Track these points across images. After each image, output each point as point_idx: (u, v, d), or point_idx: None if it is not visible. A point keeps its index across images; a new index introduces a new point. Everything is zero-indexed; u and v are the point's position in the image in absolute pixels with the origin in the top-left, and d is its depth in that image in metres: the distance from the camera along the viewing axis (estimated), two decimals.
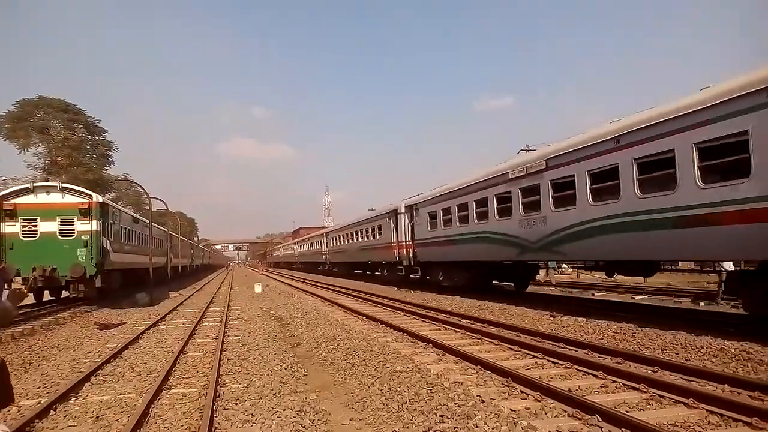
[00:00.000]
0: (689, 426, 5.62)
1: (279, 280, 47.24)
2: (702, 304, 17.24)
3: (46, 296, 24.73)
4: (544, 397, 6.46)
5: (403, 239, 28.60)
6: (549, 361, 8.86)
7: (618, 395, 6.77)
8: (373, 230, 34.70)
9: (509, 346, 10.28)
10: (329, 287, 32.02)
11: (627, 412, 5.88)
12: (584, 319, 13.44)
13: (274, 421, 6.42)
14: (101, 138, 53.89)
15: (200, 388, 8.30)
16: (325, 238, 55.08)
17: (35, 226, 21.67)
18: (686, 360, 8.74)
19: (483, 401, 6.49)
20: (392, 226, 30.26)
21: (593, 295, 22.17)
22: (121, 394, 8.09)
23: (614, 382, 7.24)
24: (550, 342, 10.37)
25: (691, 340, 10.06)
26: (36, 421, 6.64)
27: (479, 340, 11.26)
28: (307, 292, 29.23)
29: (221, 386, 8.28)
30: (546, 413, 6.00)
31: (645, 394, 6.57)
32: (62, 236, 21.87)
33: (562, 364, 8.47)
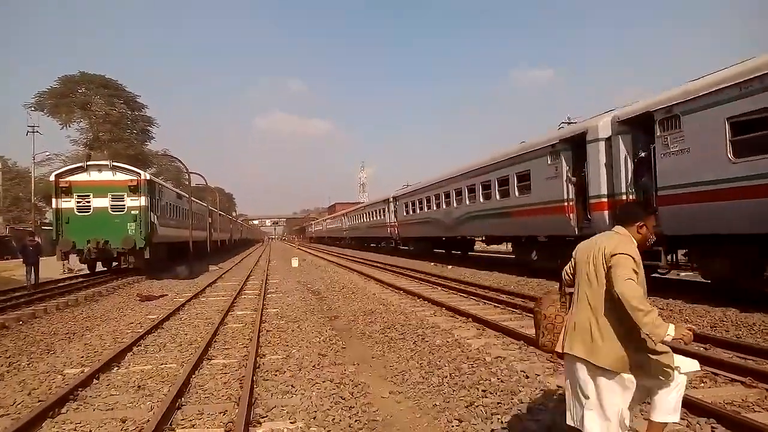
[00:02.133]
0: (748, 405, 5.34)
1: (315, 255, 47.65)
2: None
3: (99, 267, 26.28)
4: None
5: (392, 221, 39.68)
6: None
7: None
8: (375, 213, 45.83)
9: None
10: (363, 261, 32.14)
11: None
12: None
13: (313, 393, 6.37)
14: (141, 113, 54.77)
15: (240, 359, 8.32)
16: (345, 217, 66.28)
17: (89, 202, 23.23)
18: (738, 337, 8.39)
19: (527, 377, 6.30)
20: (386, 210, 40.97)
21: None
22: (162, 364, 8.17)
23: None
24: None
25: (743, 317, 9.66)
26: (79, 389, 6.73)
27: (520, 315, 11.04)
28: (342, 266, 29.38)
29: (260, 357, 8.29)
30: None
31: (698, 373, 6.28)
32: (113, 211, 23.45)
33: None
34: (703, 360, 6.54)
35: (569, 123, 22.44)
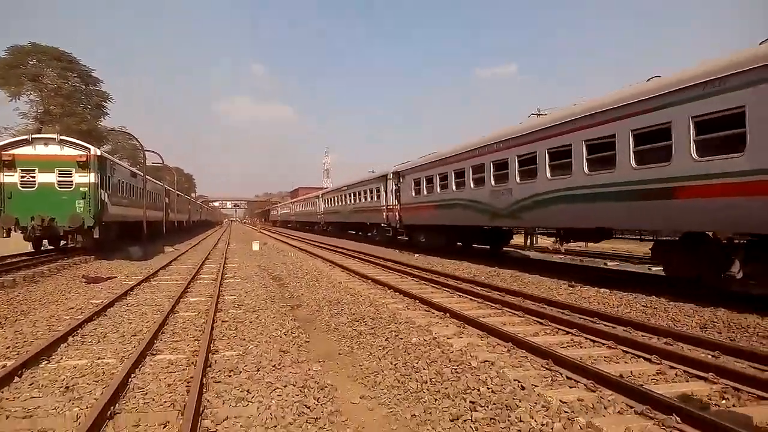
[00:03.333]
0: None
1: (276, 239, 46.27)
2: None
3: (45, 246, 24.74)
4: (598, 386, 5.43)
5: (391, 203, 31.00)
6: (587, 338, 7.82)
7: (683, 385, 5.74)
8: (365, 194, 37.00)
9: (536, 319, 9.26)
10: (328, 247, 31.01)
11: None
12: (607, 290, 12.47)
13: (273, 400, 5.45)
14: (96, 88, 52.18)
15: (189, 354, 7.34)
16: (320, 199, 56.91)
17: (33, 177, 21.81)
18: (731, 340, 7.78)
19: (523, 387, 5.47)
20: (382, 190, 32.49)
21: (606, 264, 21.21)
22: (99, 359, 7.14)
23: (673, 368, 6.20)
24: (581, 316, 9.34)
25: (735, 317, 9.08)
26: None
27: (500, 311, 10.24)
28: (305, 251, 28.28)
29: (213, 353, 7.32)
30: (606, 407, 4.98)
31: (715, 385, 5.57)
32: (60, 188, 22.01)
33: (603, 344, 7.43)
34: (719, 371, 5.86)
35: (538, 114, 23.28)
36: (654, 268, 18.97)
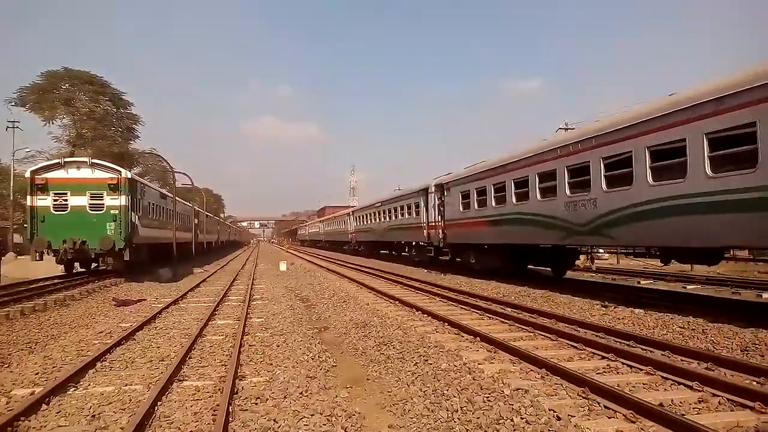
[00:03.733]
0: None
1: (304, 259, 46.38)
2: (765, 296, 15.72)
3: (77, 269, 24.96)
4: (638, 417, 5.18)
5: (433, 219, 27.44)
6: (624, 364, 7.51)
7: (728, 415, 5.45)
8: (401, 209, 33.59)
9: (570, 342, 8.96)
10: (356, 267, 30.94)
11: None
12: (642, 311, 12.10)
13: (300, 430, 5.31)
14: (126, 111, 53.31)
15: (216, 380, 7.26)
16: (351, 216, 53.99)
17: (66, 200, 22.10)
18: None
19: (559, 418, 5.25)
20: (422, 205, 29.07)
21: (639, 282, 20.69)
22: (126, 385, 7.10)
23: (716, 395, 5.90)
24: (616, 339, 9.02)
25: None
26: (21, 418, 5.64)
27: (532, 334, 9.95)
28: (333, 272, 28.20)
29: (240, 379, 7.23)
30: None
31: (763, 415, 5.27)
32: (92, 210, 22.33)
33: (642, 369, 7.13)
34: (762, 397, 5.56)
35: (566, 129, 22.66)
36: (689, 287, 18.47)
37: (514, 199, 18.78)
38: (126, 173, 23.11)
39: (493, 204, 20.33)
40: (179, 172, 38.12)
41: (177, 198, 32.35)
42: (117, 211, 22.32)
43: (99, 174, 22.47)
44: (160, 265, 27.63)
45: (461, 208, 23.47)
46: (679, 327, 10.29)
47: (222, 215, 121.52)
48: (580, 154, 15.07)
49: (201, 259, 41.69)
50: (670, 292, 16.94)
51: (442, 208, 25.97)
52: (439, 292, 16.64)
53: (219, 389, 6.73)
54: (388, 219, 37.37)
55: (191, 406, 6.16)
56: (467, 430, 5.33)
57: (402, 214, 33.56)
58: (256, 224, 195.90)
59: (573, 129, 21.13)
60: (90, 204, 22.18)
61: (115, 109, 52.27)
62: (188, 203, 43.72)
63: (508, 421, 5.28)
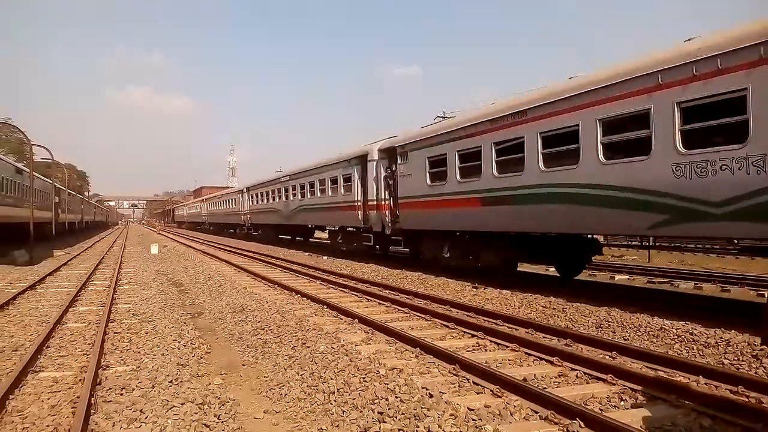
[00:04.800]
0: None
1: (179, 242, 44.45)
2: (617, 277, 17.20)
3: None
4: (504, 392, 5.46)
5: (373, 197, 20.57)
6: (492, 341, 7.88)
7: (585, 387, 5.89)
8: (320, 184, 26.22)
9: (443, 322, 9.32)
10: (235, 251, 30.11)
11: (601, 410, 5.07)
12: (509, 291, 12.73)
13: (169, 420, 5.09)
14: None
15: (77, 370, 6.79)
16: (244, 195, 44.51)
17: None
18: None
19: (431, 395, 5.43)
20: (355, 178, 22.12)
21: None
22: None
23: (573, 370, 6.38)
24: (485, 318, 9.49)
25: (627, 317, 9.52)
26: None
27: (408, 315, 10.26)
28: (210, 256, 27.25)
29: (104, 369, 6.80)
30: (513, 414, 5.02)
31: (614, 386, 5.77)
32: None
33: (508, 346, 7.52)
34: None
35: (444, 117, 19.69)
36: (551, 269, 19.66)
37: (542, 165, 12.32)
38: None
39: (495, 172, 13.70)
40: (37, 145, 35.08)
41: (35, 174, 29.71)
42: None
43: None
44: (14, 246, 25.31)
45: (428, 180, 16.60)
46: (542, 306, 11.01)
47: (87, 193, 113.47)
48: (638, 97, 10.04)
49: (63, 241, 38.71)
50: (535, 274, 18.02)
51: (391, 181, 19.09)
52: (317, 275, 16.61)
53: (80, 380, 6.29)
54: (299, 197, 29.49)
55: (48, 399, 5.72)
56: (343, 411, 5.37)
57: (322, 191, 25.97)
58: (125, 204, 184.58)
59: None
60: None
61: None
62: (48, 179, 40.37)
63: (383, 400, 5.39)
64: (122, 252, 28.92)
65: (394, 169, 18.97)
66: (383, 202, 19.78)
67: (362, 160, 21.53)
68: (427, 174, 16.74)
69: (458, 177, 15.20)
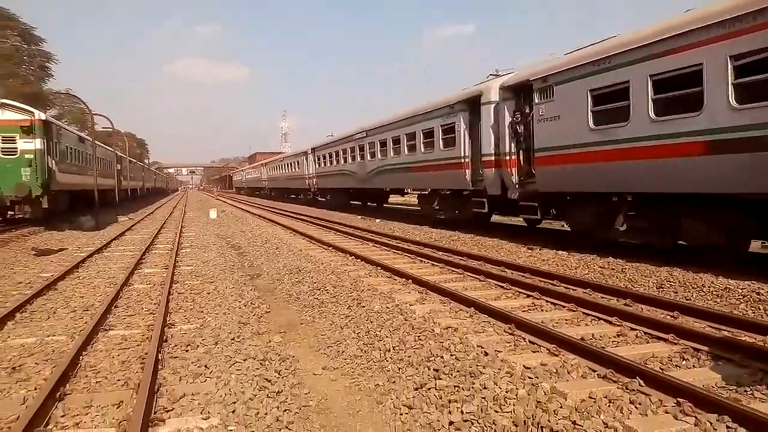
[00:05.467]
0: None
1: (235, 206, 45.51)
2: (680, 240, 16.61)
3: None
4: (561, 350, 5.43)
5: (489, 151, 16.24)
6: (548, 302, 7.83)
7: (645, 347, 5.78)
8: (414, 138, 21.30)
9: (497, 283, 9.26)
10: (289, 215, 30.57)
11: (662, 370, 4.97)
12: (565, 252, 12.57)
13: (232, 375, 5.28)
14: (38, 47, 49.64)
15: (144, 329, 7.09)
16: (310, 156, 40.40)
17: None
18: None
19: (486, 353, 5.43)
20: (461, 128, 17.68)
21: (563, 226, 21.47)
22: (49, 336, 6.83)
23: (633, 329, 6.26)
24: (541, 279, 9.34)
25: (690, 277, 9.21)
26: None
27: (461, 275, 10.24)
28: (266, 219, 27.82)
29: (169, 327, 7.09)
30: (570, 372, 4.98)
31: (675, 346, 5.64)
32: (4, 155, 20.99)
33: (564, 306, 7.46)
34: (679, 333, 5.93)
35: (497, 75, 17.88)
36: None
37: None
38: (40, 115, 21.78)
39: (733, 102, 8.90)
40: (98, 114, 36.27)
41: (97, 142, 30.77)
42: (32, 156, 21.05)
43: (10, 115, 21.01)
44: (81, 213, 26.46)
45: (592, 123, 11.93)
46: (600, 267, 10.78)
47: (147, 161, 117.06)
48: None
49: (125, 207, 40.21)
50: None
51: (521, 129, 14.66)
52: (370, 237, 16.73)
53: (147, 338, 6.58)
54: (379, 156, 25.27)
55: (118, 356, 6.00)
56: (399, 368, 5.46)
57: (412, 148, 21.66)
58: (184, 171, 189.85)
59: None
60: (2, 148, 20.88)
61: (26, 46, 48.55)
62: (110, 148, 41.75)
63: (439, 358, 5.43)
64: (182, 217, 29.82)
65: (527, 111, 14.44)
66: (506, 158, 15.18)
67: (472, 103, 17.13)
68: (590, 114, 11.96)
69: (652, 114, 10.38)
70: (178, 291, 9.46)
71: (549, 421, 3.96)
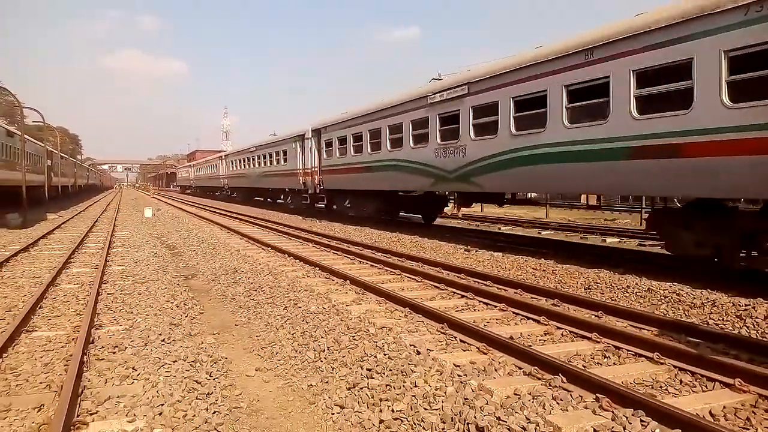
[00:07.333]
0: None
1: (172, 205, 44.34)
2: (608, 240, 17.34)
3: None
4: (490, 349, 5.58)
5: (308, 166, 26.76)
6: (480, 302, 8.04)
7: (569, 345, 6.01)
8: (274, 156, 32.93)
9: (433, 283, 9.42)
10: (229, 214, 30.06)
11: (584, 367, 5.18)
12: (500, 254, 12.88)
13: (161, 377, 5.17)
14: None
15: (70, 330, 6.85)
16: (222, 161, 50.81)
17: None
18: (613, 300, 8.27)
19: (419, 352, 5.52)
20: (296, 150, 28.39)
21: (499, 229, 22.02)
22: None
23: (559, 328, 6.51)
24: (475, 280, 9.58)
25: (616, 279, 9.61)
26: None
27: (399, 276, 10.35)
28: (203, 219, 27.22)
29: (97, 329, 6.87)
30: (497, 370, 5.13)
31: (598, 344, 5.89)
32: None
33: (496, 306, 7.68)
34: (602, 331, 6.17)
35: (439, 79, 19.49)
36: (544, 233, 19.91)
37: (389, 146, 18.56)
38: None
39: (369, 151, 19.95)
40: (28, 107, 34.68)
41: (26, 137, 29.42)
42: None
43: None
44: (7, 210, 25.22)
45: (338, 154, 23.06)
46: (532, 268, 11.09)
47: (80, 157, 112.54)
48: None
49: (56, 205, 38.60)
50: (527, 237, 18.17)
51: (318, 154, 25.44)
52: (312, 238, 16.66)
53: (73, 339, 6.36)
54: (262, 165, 36.21)
55: (41, 358, 5.79)
56: (332, 368, 5.48)
57: (278, 161, 32.51)
58: (119, 167, 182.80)
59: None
60: None
61: None
62: (40, 143, 39.98)
63: (372, 357, 5.49)
64: (116, 215, 28.86)
65: (321, 144, 25.21)
66: (312, 170, 26.14)
67: (301, 137, 27.65)
68: (336, 150, 23.22)
69: (352, 153, 21.57)
70: (108, 291, 9.17)
71: (475, 417, 4.07)
